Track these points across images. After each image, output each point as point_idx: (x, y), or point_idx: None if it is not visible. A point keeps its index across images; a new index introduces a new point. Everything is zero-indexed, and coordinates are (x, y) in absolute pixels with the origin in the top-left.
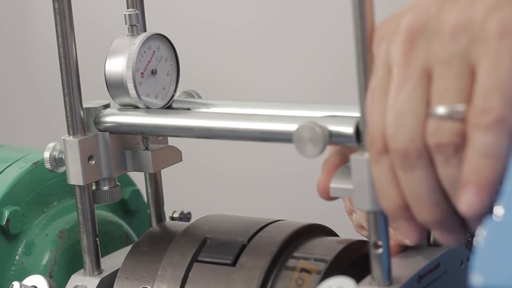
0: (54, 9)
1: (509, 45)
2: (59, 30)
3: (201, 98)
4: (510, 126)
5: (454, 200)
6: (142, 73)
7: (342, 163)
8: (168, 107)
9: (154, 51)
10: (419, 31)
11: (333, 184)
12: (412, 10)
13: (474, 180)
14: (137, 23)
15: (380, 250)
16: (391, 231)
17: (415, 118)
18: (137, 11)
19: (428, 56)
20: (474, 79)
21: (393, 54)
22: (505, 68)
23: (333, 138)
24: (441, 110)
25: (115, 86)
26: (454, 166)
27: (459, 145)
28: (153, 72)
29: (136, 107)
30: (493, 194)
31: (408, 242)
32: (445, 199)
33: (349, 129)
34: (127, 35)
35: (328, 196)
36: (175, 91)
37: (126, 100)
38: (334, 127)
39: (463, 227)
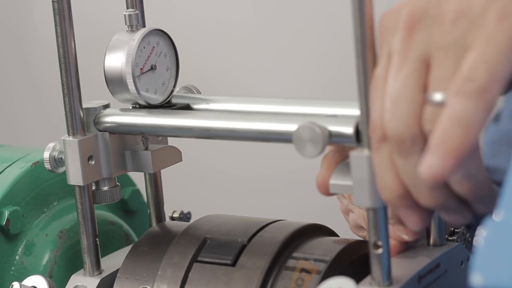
0: (54, 9)
1: (507, 27)
2: (58, 30)
3: (200, 93)
4: (489, 101)
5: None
6: (141, 69)
7: (341, 158)
8: (167, 103)
9: (154, 47)
10: (419, 18)
11: (333, 181)
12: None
13: (441, 144)
14: (136, 23)
15: (380, 250)
16: (390, 228)
17: (410, 104)
18: (137, 12)
19: (427, 43)
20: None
21: (394, 42)
22: (497, 45)
23: (332, 138)
24: (438, 97)
25: (114, 82)
26: None
27: None
28: (153, 68)
29: (135, 103)
30: (458, 167)
31: (406, 238)
32: (444, 182)
33: (348, 129)
34: (126, 30)
35: (327, 191)
36: (174, 86)
37: (126, 95)
38: (333, 127)
39: (468, 207)
